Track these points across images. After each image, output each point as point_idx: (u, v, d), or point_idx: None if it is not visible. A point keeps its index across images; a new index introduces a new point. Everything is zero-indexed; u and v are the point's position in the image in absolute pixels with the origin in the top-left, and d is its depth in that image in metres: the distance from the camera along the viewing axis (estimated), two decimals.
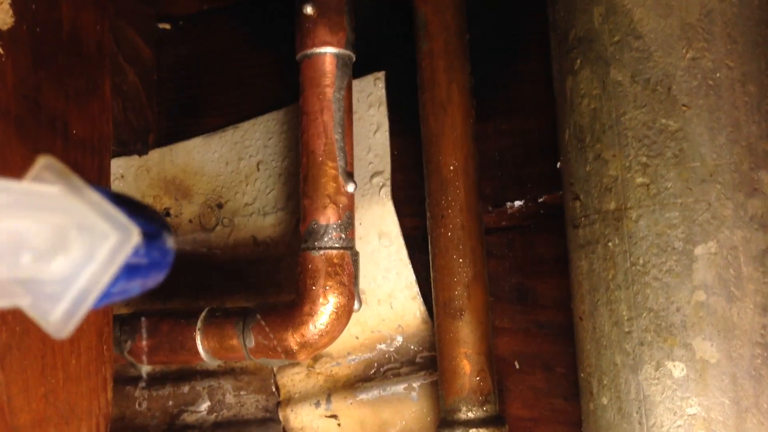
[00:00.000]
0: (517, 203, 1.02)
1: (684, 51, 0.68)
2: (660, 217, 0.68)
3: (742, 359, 0.65)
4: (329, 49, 0.97)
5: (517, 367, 1.01)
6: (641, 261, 0.69)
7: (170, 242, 0.51)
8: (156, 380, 1.22)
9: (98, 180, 0.87)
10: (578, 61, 0.74)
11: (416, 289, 1.06)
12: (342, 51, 0.98)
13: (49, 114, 0.79)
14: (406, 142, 1.08)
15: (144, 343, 1.04)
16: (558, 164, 0.83)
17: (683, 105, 0.68)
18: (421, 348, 1.06)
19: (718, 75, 0.68)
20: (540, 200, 1.01)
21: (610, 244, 0.71)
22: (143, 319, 1.05)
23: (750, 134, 0.68)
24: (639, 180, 0.69)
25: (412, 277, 1.06)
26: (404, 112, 1.07)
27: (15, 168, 0.74)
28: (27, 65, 0.77)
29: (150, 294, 1.22)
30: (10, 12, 0.74)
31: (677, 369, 0.66)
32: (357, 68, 1.03)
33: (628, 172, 0.69)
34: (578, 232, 0.75)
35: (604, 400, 0.71)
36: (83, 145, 0.84)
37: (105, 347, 0.86)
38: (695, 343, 0.66)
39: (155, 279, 0.51)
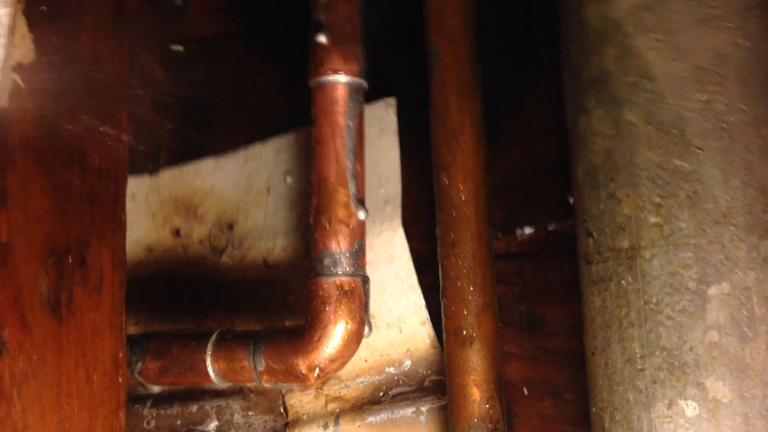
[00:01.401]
0: (527, 230, 1.03)
1: (697, 94, 0.70)
2: (674, 257, 0.69)
3: (755, 399, 0.66)
4: (342, 78, 0.98)
5: (526, 393, 1.02)
6: (654, 300, 0.70)
7: None
8: (164, 399, 1.23)
9: (114, 206, 0.88)
10: (592, 101, 0.75)
11: (425, 313, 1.07)
12: (354, 79, 0.99)
13: (67, 144, 0.80)
14: (416, 166, 1.09)
15: (154, 364, 1.05)
16: (571, 200, 0.84)
17: (697, 147, 0.69)
18: (430, 372, 1.07)
19: (731, 118, 0.69)
20: (550, 228, 1.02)
21: (623, 282, 0.72)
22: (153, 340, 1.06)
23: (763, 177, 0.69)
24: (652, 220, 0.70)
25: (422, 302, 1.07)
26: (414, 135, 1.08)
27: (34, 199, 0.75)
28: (47, 97, 0.78)
29: (158, 313, 1.23)
30: (32, 46, 0.75)
31: (690, 408, 0.67)
32: (369, 93, 1.04)
33: (642, 211, 0.70)
34: (591, 268, 0.76)
35: None
36: (99, 174, 0.85)
37: (119, 373, 0.87)
38: (708, 382, 0.67)
39: None
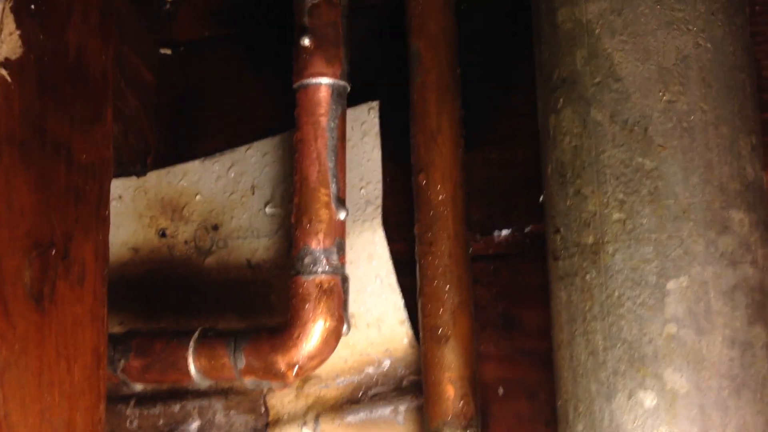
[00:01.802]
0: (505, 232, 1.05)
1: (660, 94, 0.72)
2: (635, 252, 0.71)
3: (711, 390, 0.68)
4: (325, 80, 1.01)
5: (501, 392, 1.03)
6: (616, 294, 0.72)
7: None
8: (147, 399, 1.24)
9: (98, 203, 0.90)
10: (561, 100, 0.78)
11: (404, 313, 1.08)
12: (337, 82, 1.01)
13: (53, 139, 0.82)
14: (397, 169, 1.11)
15: (137, 361, 1.06)
16: (541, 198, 0.86)
17: (659, 145, 0.71)
18: (408, 372, 1.09)
19: (692, 117, 0.72)
20: (526, 230, 1.04)
21: (587, 276, 0.74)
22: (137, 338, 1.07)
23: (722, 174, 0.72)
24: (616, 216, 0.72)
25: (401, 302, 1.09)
26: (396, 140, 1.10)
27: (20, 192, 0.77)
28: (33, 92, 0.80)
29: (143, 313, 1.24)
30: (20, 42, 0.77)
31: (648, 398, 0.69)
32: (351, 97, 1.06)
33: (606, 207, 0.73)
34: (558, 264, 0.78)
35: (580, 427, 0.74)
36: (85, 170, 0.87)
37: (100, 366, 0.88)
38: (666, 373, 0.69)
39: None
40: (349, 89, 1.04)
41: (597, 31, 0.75)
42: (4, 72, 0.76)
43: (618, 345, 0.71)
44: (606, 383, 0.71)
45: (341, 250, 1.00)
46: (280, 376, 0.99)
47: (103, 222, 0.91)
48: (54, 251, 0.82)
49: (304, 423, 1.12)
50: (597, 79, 0.75)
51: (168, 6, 1.29)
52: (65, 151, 0.84)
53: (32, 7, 0.79)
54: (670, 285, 0.70)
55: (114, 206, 1.27)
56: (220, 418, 1.20)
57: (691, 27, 0.73)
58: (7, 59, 0.77)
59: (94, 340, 0.88)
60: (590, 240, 0.74)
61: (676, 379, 0.69)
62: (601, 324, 0.72)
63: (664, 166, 0.71)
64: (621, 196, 0.72)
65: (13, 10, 0.77)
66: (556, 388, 0.80)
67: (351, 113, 1.11)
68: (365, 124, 1.13)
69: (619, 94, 0.73)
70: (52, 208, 0.82)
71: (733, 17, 0.76)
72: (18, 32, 0.77)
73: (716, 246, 0.70)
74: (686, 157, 0.71)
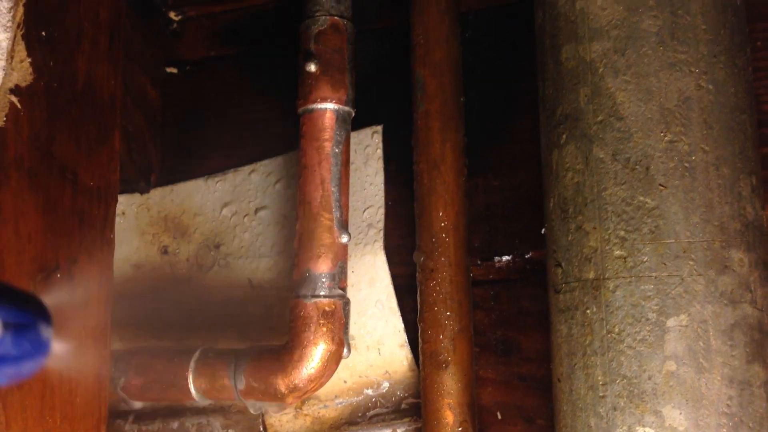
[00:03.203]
0: (505, 258, 1.06)
1: (662, 134, 0.73)
2: (636, 289, 0.72)
3: (709, 428, 0.69)
4: (330, 105, 1.02)
5: (499, 417, 1.04)
6: (617, 329, 0.73)
7: (46, 333, 0.49)
8: (146, 415, 1.25)
9: (103, 226, 0.91)
10: (564, 136, 0.79)
11: (404, 336, 1.09)
12: (342, 107, 1.02)
13: (60, 164, 0.83)
14: (399, 193, 1.12)
15: (137, 380, 1.07)
16: (543, 230, 0.87)
17: (660, 185, 0.72)
18: (407, 394, 1.10)
19: (693, 158, 0.73)
20: (527, 256, 1.05)
21: (588, 311, 0.75)
22: (137, 356, 1.08)
23: (722, 214, 0.73)
24: (617, 252, 0.73)
25: (401, 326, 1.09)
26: (399, 163, 1.11)
27: (27, 217, 0.78)
28: (43, 118, 0.80)
29: (144, 330, 1.25)
30: (30, 69, 0.78)
31: None
32: (355, 120, 1.07)
33: (607, 244, 0.74)
34: (559, 297, 0.79)
35: None
36: (91, 194, 0.88)
37: (101, 388, 0.89)
38: (665, 410, 0.70)
39: (27, 371, 0.49)
40: (353, 114, 1.05)
41: (600, 70, 0.76)
42: (14, 99, 0.77)
43: (618, 380, 0.72)
44: (605, 418, 0.72)
45: (343, 273, 1.00)
46: (279, 398, 0.99)
47: (108, 245, 0.92)
48: (59, 274, 0.83)
49: None
50: (600, 118, 0.76)
51: (175, 25, 1.30)
52: (72, 174, 0.85)
53: (43, 33, 0.80)
54: (670, 323, 0.71)
55: (117, 223, 1.27)
56: None
57: (693, 69, 0.74)
58: (17, 86, 0.77)
59: (96, 364, 0.89)
60: (591, 275, 0.75)
61: (675, 416, 0.70)
62: (601, 359, 0.73)
63: (665, 205, 0.72)
64: (622, 233, 0.73)
65: (25, 37, 0.77)
66: (555, 420, 0.81)
67: (355, 137, 1.12)
68: (368, 147, 1.14)
69: (621, 133, 0.74)
70: (58, 232, 0.83)
71: (735, 58, 0.77)
72: (29, 60, 0.78)
73: (716, 285, 0.71)
74: (687, 197, 0.72)
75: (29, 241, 0.78)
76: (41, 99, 0.80)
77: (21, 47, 0.77)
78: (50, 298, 0.80)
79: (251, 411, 1.07)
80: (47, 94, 0.81)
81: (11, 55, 0.76)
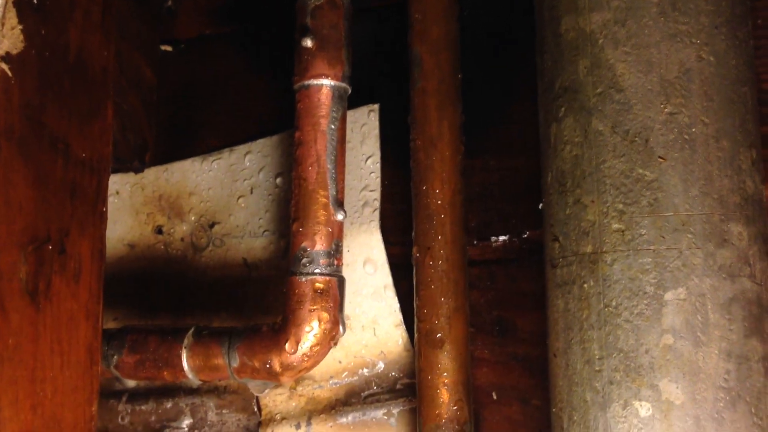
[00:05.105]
0: (502, 238, 1.05)
1: (662, 106, 0.72)
2: (633, 262, 0.71)
3: (706, 402, 0.69)
4: (326, 82, 1.00)
5: (495, 397, 1.03)
6: (614, 303, 0.72)
7: None
8: (139, 395, 1.24)
9: (95, 199, 0.90)
10: (563, 109, 0.78)
11: (400, 316, 1.09)
12: (338, 84, 1.01)
13: (51, 134, 0.82)
14: (396, 173, 1.11)
15: (130, 358, 1.06)
16: (540, 205, 0.86)
17: (660, 157, 0.71)
18: (402, 375, 1.09)
19: (693, 130, 0.72)
20: (524, 236, 1.04)
21: (585, 285, 0.74)
22: (131, 334, 1.07)
23: (722, 187, 0.72)
24: (615, 226, 0.72)
25: (396, 305, 1.09)
26: (396, 143, 1.11)
27: (17, 188, 0.77)
28: (33, 87, 0.79)
29: (138, 310, 1.24)
30: (21, 37, 0.77)
31: (643, 409, 0.69)
32: (352, 99, 1.06)
33: (605, 217, 0.73)
34: (556, 271, 0.79)
35: None
36: (83, 165, 0.87)
37: (93, 363, 0.88)
38: (662, 384, 0.69)
39: None
40: (350, 91, 1.04)
41: (600, 41, 0.75)
42: (4, 66, 0.76)
43: (614, 354, 0.71)
44: (601, 392, 0.72)
45: (338, 251, 1.00)
46: (274, 376, 0.99)
47: (101, 218, 0.91)
48: (50, 246, 0.82)
49: (297, 423, 1.12)
50: (599, 90, 0.75)
51: (170, 3, 1.28)
52: (63, 146, 0.84)
53: (35, 1, 0.79)
54: (668, 296, 0.70)
55: (111, 202, 1.27)
56: (212, 416, 1.20)
57: (694, 40, 0.73)
58: (8, 53, 0.76)
59: (88, 337, 0.88)
60: (589, 249, 0.74)
61: (672, 390, 0.69)
62: (598, 333, 0.72)
63: (665, 178, 0.71)
64: (621, 206, 0.72)
65: (16, 4, 0.76)
66: (551, 395, 0.81)
67: (351, 115, 1.11)
68: (365, 126, 1.13)
69: (620, 105, 0.73)
70: (50, 204, 0.82)
71: (736, 31, 0.76)
72: (20, 27, 0.77)
73: (715, 258, 0.71)
74: (686, 170, 0.71)
75: (20, 211, 0.77)
76: (32, 68, 0.79)
77: (12, 14, 0.76)
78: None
79: (253, 392, 1.06)
80: (39, 63, 0.80)
81: (2, 22, 0.75)
